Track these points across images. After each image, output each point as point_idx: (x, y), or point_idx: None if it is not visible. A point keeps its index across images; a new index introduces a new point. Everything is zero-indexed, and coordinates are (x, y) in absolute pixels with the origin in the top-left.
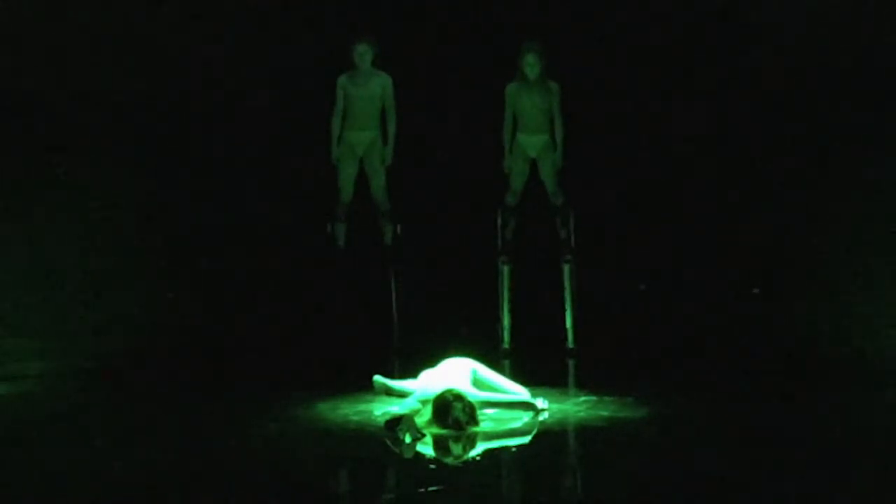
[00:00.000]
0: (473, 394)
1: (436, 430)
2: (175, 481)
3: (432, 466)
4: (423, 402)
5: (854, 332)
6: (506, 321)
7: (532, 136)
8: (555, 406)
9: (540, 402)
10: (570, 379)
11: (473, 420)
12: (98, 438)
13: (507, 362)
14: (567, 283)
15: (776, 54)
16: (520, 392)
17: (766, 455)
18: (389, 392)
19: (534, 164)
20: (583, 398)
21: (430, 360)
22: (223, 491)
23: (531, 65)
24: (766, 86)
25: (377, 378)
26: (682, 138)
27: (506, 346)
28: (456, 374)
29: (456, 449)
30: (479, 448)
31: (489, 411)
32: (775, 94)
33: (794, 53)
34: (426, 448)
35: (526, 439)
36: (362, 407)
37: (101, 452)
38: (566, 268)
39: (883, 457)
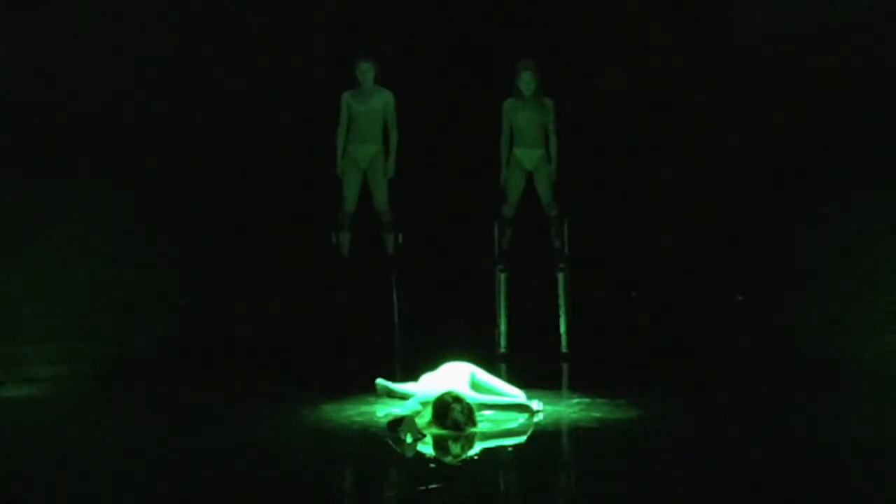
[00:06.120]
0: (472, 396)
1: (435, 430)
2: (183, 480)
3: (432, 465)
4: (424, 404)
5: (839, 336)
6: (502, 326)
7: (528, 149)
8: (549, 408)
9: (535, 404)
10: (564, 382)
11: (471, 421)
12: (110, 439)
13: (503, 366)
14: (561, 291)
15: (760, 65)
16: (516, 394)
17: (755, 455)
18: (391, 394)
19: (529, 177)
20: (576, 400)
21: (431, 363)
22: (230, 489)
23: (527, 82)
24: (753, 98)
25: (379, 381)
26: (671, 150)
27: (502, 350)
28: (455, 377)
29: (455, 449)
30: (477, 448)
31: (486, 413)
32: (764, 104)
33: (778, 63)
34: (426, 448)
35: (522, 439)
36: (365, 408)
37: (110, 453)
38: (560, 276)
39: (873, 457)
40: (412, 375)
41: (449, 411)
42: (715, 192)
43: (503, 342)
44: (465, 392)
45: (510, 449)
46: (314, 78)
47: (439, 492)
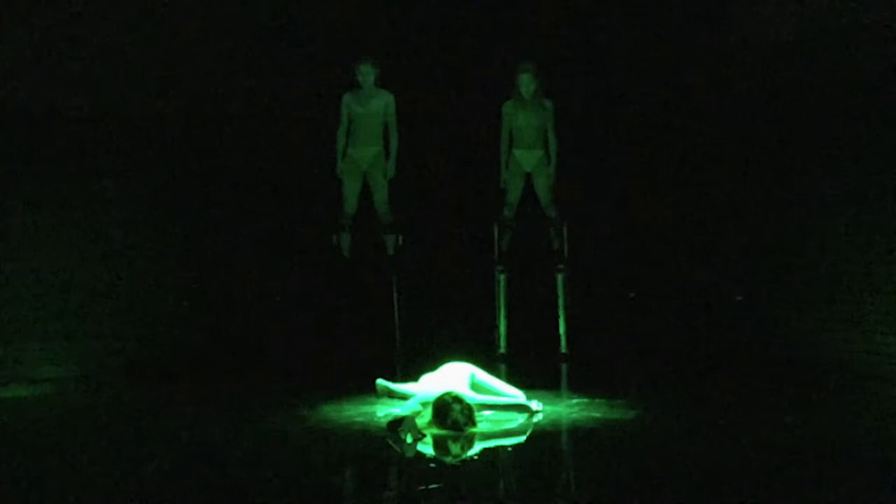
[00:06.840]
0: (471, 396)
1: (436, 430)
2: (184, 479)
3: (432, 465)
4: (424, 405)
5: (838, 336)
6: (502, 327)
7: (527, 151)
8: (548, 408)
9: (534, 405)
10: (563, 382)
11: (471, 421)
12: (109, 439)
13: (503, 366)
14: (560, 291)
15: (760, 65)
16: (515, 395)
17: (753, 454)
18: (391, 395)
19: (529, 179)
20: (575, 400)
21: (431, 364)
22: (231, 488)
23: (526, 84)
24: (753, 98)
25: (380, 381)
26: (671, 151)
27: (502, 350)
28: (455, 377)
29: (455, 449)
30: (477, 448)
31: (486, 413)
32: (764, 104)
33: (777, 62)
34: (426, 448)
35: (521, 439)
36: (366, 409)
37: (110, 453)
38: (559, 277)
39: (872, 456)
40: (412, 375)
41: (449, 411)
42: (714, 192)
43: (503, 343)
44: (465, 392)
45: (510, 449)
46: (314, 78)
47: (439, 492)
